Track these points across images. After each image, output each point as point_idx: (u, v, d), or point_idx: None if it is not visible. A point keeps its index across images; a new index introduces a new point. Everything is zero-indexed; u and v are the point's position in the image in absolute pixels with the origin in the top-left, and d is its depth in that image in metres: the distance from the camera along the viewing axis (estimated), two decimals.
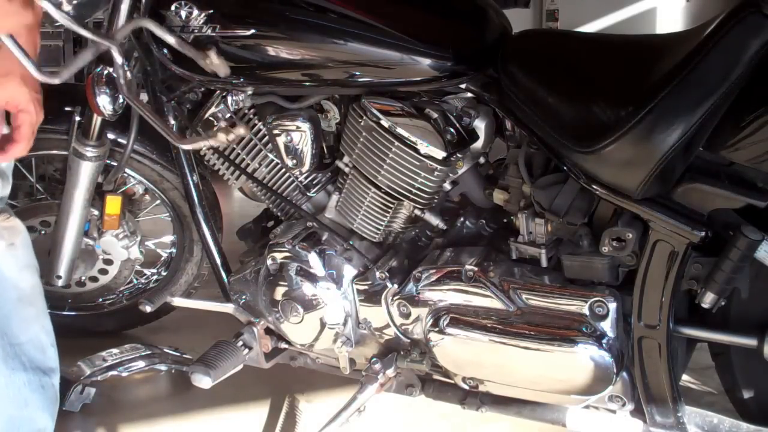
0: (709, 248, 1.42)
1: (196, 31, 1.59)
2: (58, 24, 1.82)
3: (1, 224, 1.12)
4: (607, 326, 1.47)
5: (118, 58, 1.09)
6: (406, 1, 1.64)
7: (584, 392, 1.49)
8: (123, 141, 2.05)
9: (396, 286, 1.64)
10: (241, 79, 1.60)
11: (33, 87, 1.12)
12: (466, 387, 1.62)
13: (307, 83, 1.60)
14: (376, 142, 1.61)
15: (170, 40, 1.35)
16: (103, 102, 1.80)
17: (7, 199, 1.21)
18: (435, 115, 1.60)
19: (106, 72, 1.87)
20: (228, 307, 1.85)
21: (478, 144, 1.67)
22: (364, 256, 1.70)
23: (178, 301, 2.06)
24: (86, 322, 2.38)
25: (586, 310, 1.47)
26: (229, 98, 1.75)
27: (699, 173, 1.41)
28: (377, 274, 1.65)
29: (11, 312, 1.09)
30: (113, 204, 2.16)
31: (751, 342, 1.48)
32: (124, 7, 1.81)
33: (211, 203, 2.12)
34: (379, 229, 1.70)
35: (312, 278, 1.66)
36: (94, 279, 2.34)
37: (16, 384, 1.09)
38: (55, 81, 1.09)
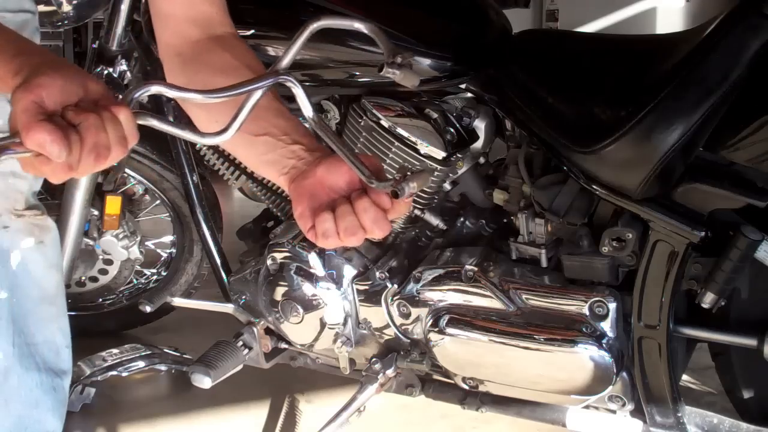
0: (709, 248, 1.42)
1: None
2: (58, 24, 1.83)
3: (32, 220, 1.10)
4: (607, 326, 1.46)
5: (297, 88, 0.88)
6: (406, 1, 1.64)
7: (584, 392, 1.49)
8: None
9: (396, 286, 1.64)
10: None
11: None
12: (466, 387, 1.62)
13: (307, 83, 1.60)
14: (376, 142, 1.61)
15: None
16: None
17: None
18: (435, 116, 1.60)
19: (106, 72, 1.88)
20: (228, 307, 1.85)
21: (478, 144, 1.67)
22: (364, 256, 1.70)
23: (178, 301, 2.06)
24: (86, 322, 2.38)
25: (586, 310, 1.47)
26: None
27: (699, 173, 1.41)
28: (377, 274, 1.65)
29: (30, 311, 1.09)
30: (113, 204, 2.16)
31: (751, 342, 1.48)
32: (124, 8, 1.82)
33: (211, 203, 2.11)
34: None
35: (312, 278, 1.66)
36: (94, 279, 2.34)
37: (28, 384, 1.09)
38: (226, 138, 0.85)
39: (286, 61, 0.87)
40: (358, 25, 0.89)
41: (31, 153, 0.71)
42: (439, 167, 1.60)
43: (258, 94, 0.86)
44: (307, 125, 0.97)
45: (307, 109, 0.91)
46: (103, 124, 0.74)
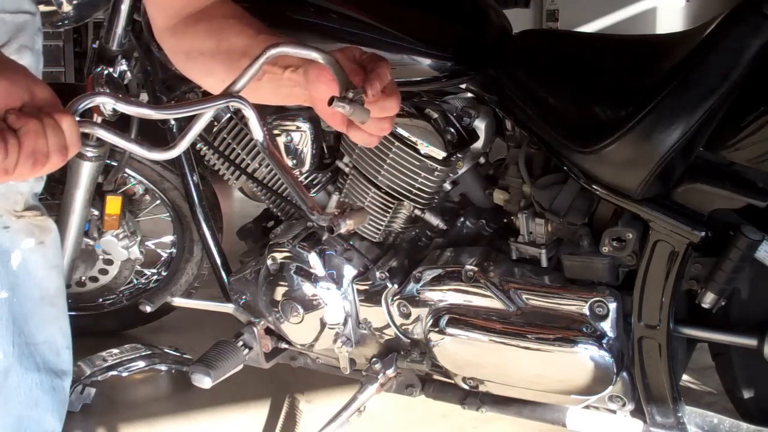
0: (709, 248, 1.42)
1: None
2: (58, 24, 1.83)
3: (33, 221, 1.11)
4: (607, 326, 1.46)
5: (248, 110, 0.88)
6: (406, 1, 1.64)
7: (584, 392, 1.49)
8: None
9: (396, 286, 1.64)
10: None
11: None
12: (466, 387, 1.62)
13: None
14: None
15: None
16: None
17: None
18: (435, 115, 1.60)
19: (106, 72, 1.88)
20: (228, 307, 1.85)
21: (478, 144, 1.67)
22: (364, 256, 1.70)
23: (178, 301, 2.06)
24: (86, 322, 2.38)
25: (586, 311, 1.47)
26: None
27: (699, 173, 1.41)
28: (377, 274, 1.65)
29: (31, 311, 1.09)
30: (113, 204, 2.16)
31: (751, 342, 1.48)
32: (124, 8, 1.82)
33: (211, 203, 2.12)
34: (379, 229, 1.70)
35: (312, 278, 1.66)
36: (94, 279, 2.34)
37: (28, 384, 1.09)
38: (172, 155, 0.86)
39: (240, 84, 0.88)
40: (316, 55, 0.91)
41: None
42: (439, 167, 1.60)
43: (209, 113, 0.86)
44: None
45: (258, 133, 0.92)
46: (44, 130, 0.73)
